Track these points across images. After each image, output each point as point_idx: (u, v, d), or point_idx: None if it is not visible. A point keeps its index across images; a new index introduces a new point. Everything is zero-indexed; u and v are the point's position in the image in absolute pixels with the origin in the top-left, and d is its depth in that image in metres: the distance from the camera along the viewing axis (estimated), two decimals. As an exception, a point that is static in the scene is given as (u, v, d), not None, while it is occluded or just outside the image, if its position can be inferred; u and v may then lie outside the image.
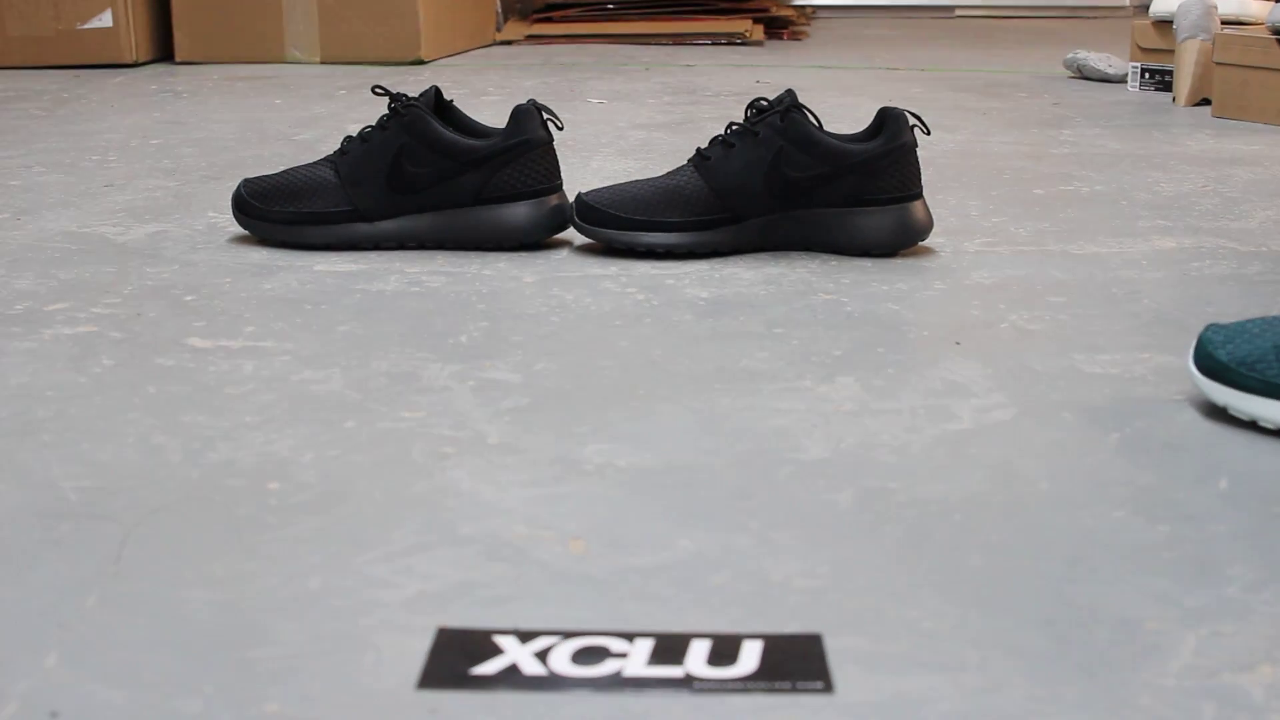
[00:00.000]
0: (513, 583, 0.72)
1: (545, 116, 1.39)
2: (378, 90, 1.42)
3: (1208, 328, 0.97)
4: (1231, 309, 1.21)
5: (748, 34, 3.65)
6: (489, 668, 0.64)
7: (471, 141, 1.38)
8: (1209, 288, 1.29)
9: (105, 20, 3.02)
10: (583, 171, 1.83)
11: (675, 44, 3.63)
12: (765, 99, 1.36)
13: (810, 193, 1.35)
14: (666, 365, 1.07)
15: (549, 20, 3.85)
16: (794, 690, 0.62)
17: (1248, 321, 0.96)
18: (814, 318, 1.19)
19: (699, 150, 1.38)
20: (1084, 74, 2.90)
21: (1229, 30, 2.37)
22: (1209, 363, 0.94)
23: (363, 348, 1.11)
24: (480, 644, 0.66)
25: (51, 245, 1.45)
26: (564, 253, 1.41)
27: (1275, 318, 0.96)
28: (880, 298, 1.24)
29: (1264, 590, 0.71)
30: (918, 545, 0.77)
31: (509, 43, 3.71)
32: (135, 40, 3.08)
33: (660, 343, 1.12)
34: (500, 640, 0.66)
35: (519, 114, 1.38)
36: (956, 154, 1.99)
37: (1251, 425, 0.94)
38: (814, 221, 1.36)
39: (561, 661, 0.65)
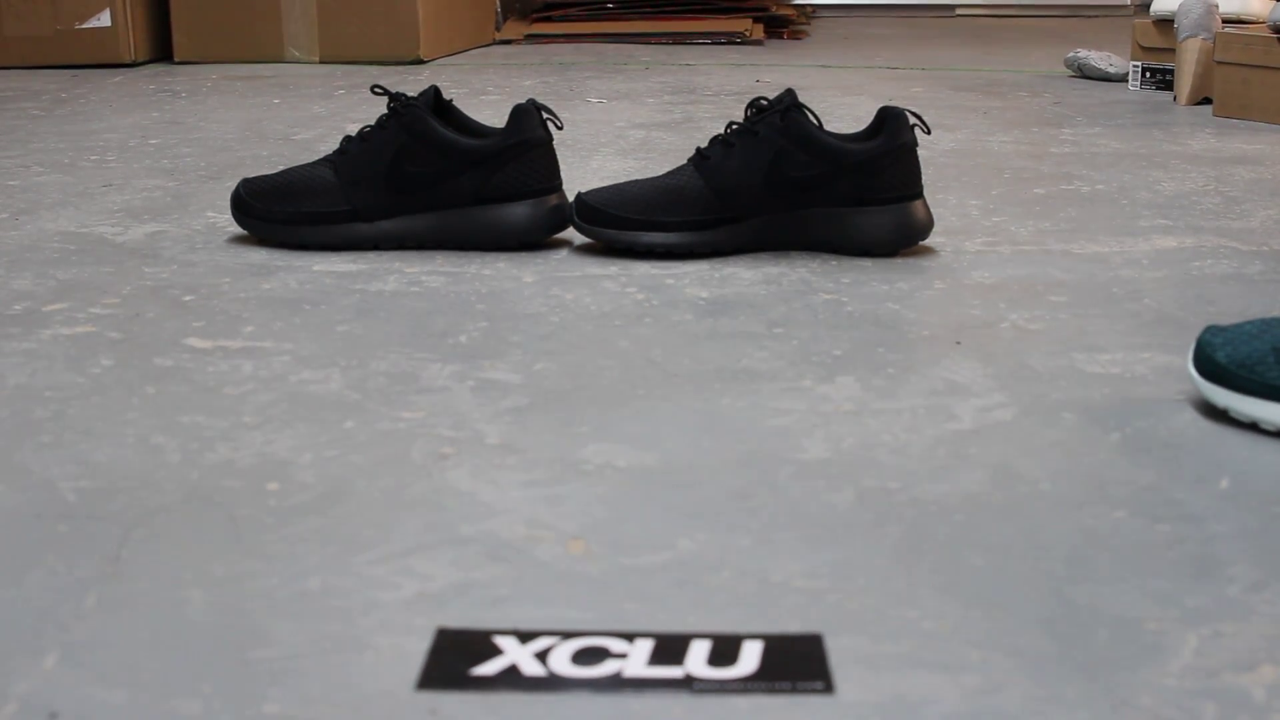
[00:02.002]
0: (512, 583, 0.72)
1: (545, 116, 1.39)
2: (377, 90, 1.42)
3: (1206, 330, 0.97)
4: (1233, 308, 1.21)
5: (748, 33, 3.65)
6: (488, 668, 0.64)
7: (471, 141, 1.38)
8: (1210, 287, 1.29)
9: (104, 20, 3.02)
10: (582, 171, 1.83)
11: (675, 43, 3.63)
12: (765, 98, 1.36)
13: (810, 192, 1.35)
14: (666, 365, 1.07)
15: (548, 20, 3.85)
16: (794, 690, 0.62)
17: (1246, 323, 0.96)
18: (814, 317, 1.19)
19: (699, 150, 1.38)
20: (1085, 73, 2.90)
21: (1230, 29, 2.37)
22: (1208, 365, 0.95)
23: (362, 348, 1.11)
24: (480, 644, 0.66)
25: (50, 245, 1.45)
26: (563, 252, 1.41)
27: (1273, 319, 0.96)
28: (880, 297, 1.24)
29: (1265, 590, 0.71)
30: (918, 545, 0.77)
31: (508, 42, 3.71)
32: (134, 40, 3.08)
33: (660, 343, 1.12)
34: (500, 641, 0.66)
35: (518, 113, 1.38)
36: (957, 153, 1.99)
37: (1253, 426, 0.94)
38: (814, 221, 1.36)
39: (561, 662, 0.65)
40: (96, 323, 1.17)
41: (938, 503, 0.82)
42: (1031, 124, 2.28)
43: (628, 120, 2.32)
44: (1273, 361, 0.92)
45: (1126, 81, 2.76)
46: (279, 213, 1.41)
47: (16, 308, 1.22)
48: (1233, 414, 0.94)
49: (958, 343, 1.12)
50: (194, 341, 1.12)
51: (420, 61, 3.16)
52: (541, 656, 0.65)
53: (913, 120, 1.38)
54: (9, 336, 1.14)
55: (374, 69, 3.04)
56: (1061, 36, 3.96)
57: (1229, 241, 1.46)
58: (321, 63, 3.15)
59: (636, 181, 1.39)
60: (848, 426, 0.94)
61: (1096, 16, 4.79)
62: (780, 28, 3.91)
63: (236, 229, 1.49)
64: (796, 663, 0.64)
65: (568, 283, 1.29)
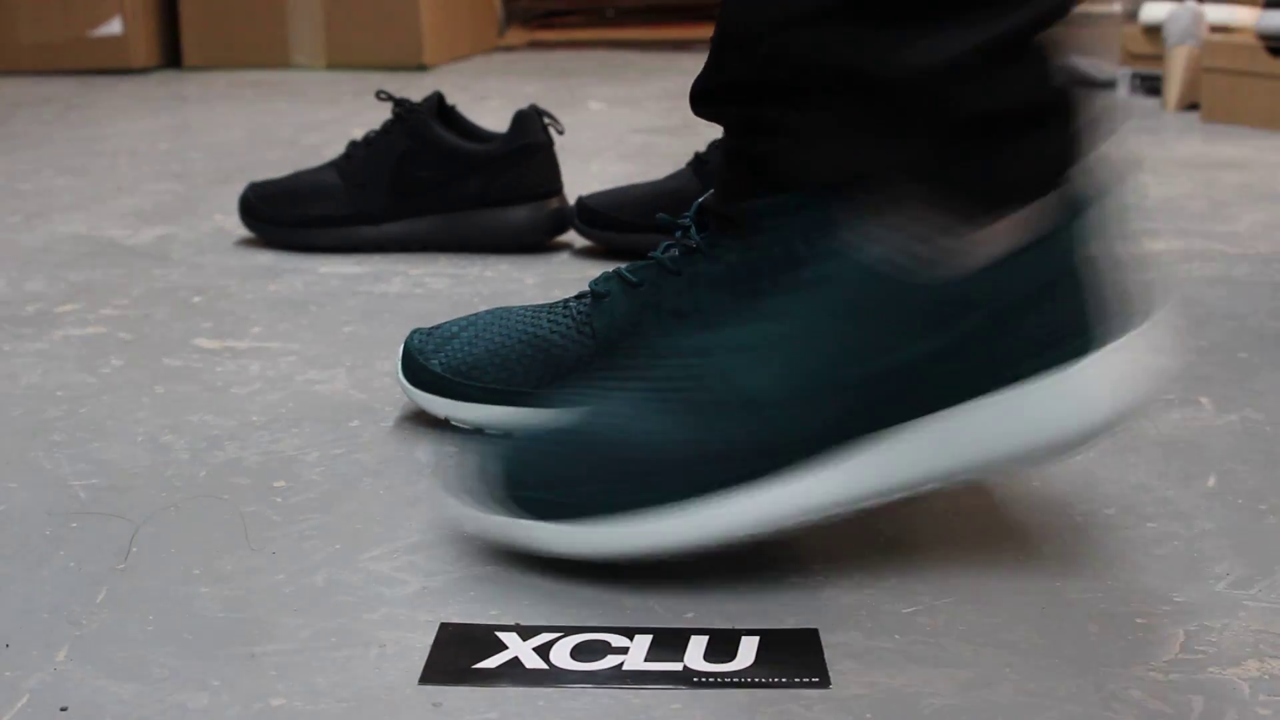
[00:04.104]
0: (514, 579, 0.73)
1: (546, 121, 1.41)
2: (381, 95, 1.43)
3: (413, 335, 0.92)
4: (1219, 310, 1.22)
5: (749, 38, 3.65)
6: (491, 662, 0.65)
7: (473, 145, 1.39)
8: (1197, 289, 1.30)
9: (114, 28, 3.04)
10: (583, 175, 1.84)
11: (675, 50, 3.64)
12: (765, 104, 1.37)
13: (809, 196, 1.35)
14: (666, 367, 1.07)
15: (550, 26, 3.86)
16: (791, 684, 0.63)
17: (451, 324, 0.92)
18: (813, 320, 1.19)
19: (697, 154, 1.39)
20: (1083, 78, 2.91)
21: (1217, 37, 2.38)
22: (422, 375, 0.90)
23: (367, 348, 1.12)
24: (482, 639, 0.67)
25: (61, 248, 1.46)
26: (565, 255, 1.42)
27: (474, 317, 0.91)
28: (878, 300, 1.25)
29: (1252, 586, 0.72)
30: (912, 541, 0.78)
31: (511, 48, 3.72)
32: (144, 47, 3.09)
33: (660, 345, 1.13)
34: (502, 635, 0.67)
35: (520, 118, 1.39)
36: (956, 158, 1.99)
37: (1240, 423, 0.94)
38: (813, 225, 1.37)
39: (562, 656, 0.65)
40: (107, 323, 1.19)
41: (930, 498, 0.83)
42: (1031, 129, 2.28)
43: (628, 125, 2.33)
44: (488, 365, 0.88)
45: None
46: (285, 216, 1.42)
47: (29, 309, 1.23)
48: (455, 422, 0.90)
49: (954, 345, 1.12)
50: (202, 342, 1.14)
51: (424, 68, 3.17)
52: (543, 651, 0.66)
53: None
54: (22, 337, 1.15)
55: (379, 75, 3.05)
56: (1062, 42, 3.96)
57: (1216, 245, 1.47)
58: (328, 69, 3.16)
59: (636, 185, 1.40)
60: (845, 427, 0.95)
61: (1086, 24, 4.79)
62: (782, 33, 3.92)
63: (244, 232, 1.50)
64: (793, 657, 0.65)
65: (569, 284, 1.30)
